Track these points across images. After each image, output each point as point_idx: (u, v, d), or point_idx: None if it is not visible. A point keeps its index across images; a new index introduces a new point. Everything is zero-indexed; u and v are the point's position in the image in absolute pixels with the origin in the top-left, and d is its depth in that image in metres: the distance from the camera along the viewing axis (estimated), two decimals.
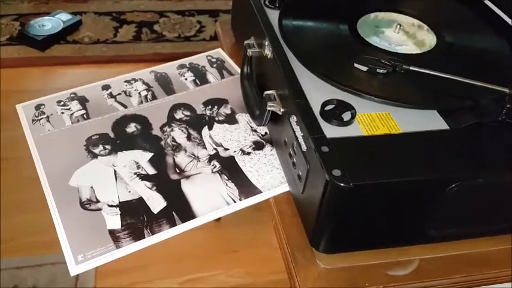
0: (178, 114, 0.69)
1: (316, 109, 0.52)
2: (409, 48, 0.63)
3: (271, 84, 0.60)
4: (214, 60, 0.80)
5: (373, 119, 0.53)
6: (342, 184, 0.43)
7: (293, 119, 0.52)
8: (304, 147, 0.49)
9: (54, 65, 1.67)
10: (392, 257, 0.52)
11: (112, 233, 0.54)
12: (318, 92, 0.55)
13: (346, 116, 0.52)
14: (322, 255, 0.51)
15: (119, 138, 0.65)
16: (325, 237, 0.49)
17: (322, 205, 0.46)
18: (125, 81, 0.76)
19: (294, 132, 0.51)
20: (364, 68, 0.58)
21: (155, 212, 0.56)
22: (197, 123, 0.68)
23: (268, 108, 0.56)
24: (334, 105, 0.53)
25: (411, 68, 0.57)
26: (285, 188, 0.58)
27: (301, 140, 0.50)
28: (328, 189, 0.44)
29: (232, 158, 0.63)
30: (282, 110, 0.56)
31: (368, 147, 0.49)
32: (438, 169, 0.47)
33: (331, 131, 0.49)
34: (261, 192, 0.58)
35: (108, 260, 0.51)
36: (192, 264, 0.96)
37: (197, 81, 0.76)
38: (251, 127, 0.67)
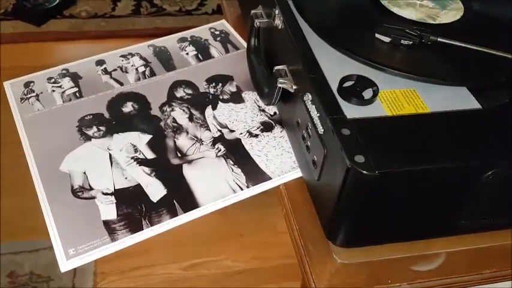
0: (179, 93, 0.64)
1: (334, 86, 0.46)
2: (435, 17, 0.56)
3: (282, 59, 0.53)
4: (217, 32, 0.73)
5: (397, 96, 0.47)
6: (366, 172, 0.38)
7: (308, 97, 0.46)
8: (320, 130, 0.43)
9: (50, 41, 1.60)
10: (417, 251, 0.47)
11: (107, 224, 0.49)
12: (334, 66, 0.49)
13: (367, 93, 0.46)
14: (340, 249, 0.46)
15: (115, 119, 0.60)
16: (343, 230, 0.44)
17: (341, 195, 0.41)
18: (121, 56, 0.70)
19: (308, 112, 0.45)
20: (387, 39, 0.51)
21: (154, 201, 0.51)
22: (200, 102, 0.62)
23: (279, 85, 0.51)
24: (353, 82, 0.47)
25: (439, 39, 0.51)
26: (297, 173, 0.53)
27: (317, 121, 0.44)
28: (349, 177, 0.39)
29: (238, 140, 0.57)
30: (294, 87, 0.50)
31: (393, 129, 0.43)
32: (474, 155, 0.41)
33: (350, 110, 0.44)
34: (270, 178, 0.53)
35: (102, 254, 0.46)
36: (195, 248, 0.91)
37: (199, 56, 0.70)
38: (259, 106, 0.61)
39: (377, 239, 0.46)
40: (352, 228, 0.44)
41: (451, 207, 0.44)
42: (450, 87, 0.49)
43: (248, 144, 0.57)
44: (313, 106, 0.45)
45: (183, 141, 0.57)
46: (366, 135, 0.41)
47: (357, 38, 0.53)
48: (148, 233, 0.48)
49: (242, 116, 0.60)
